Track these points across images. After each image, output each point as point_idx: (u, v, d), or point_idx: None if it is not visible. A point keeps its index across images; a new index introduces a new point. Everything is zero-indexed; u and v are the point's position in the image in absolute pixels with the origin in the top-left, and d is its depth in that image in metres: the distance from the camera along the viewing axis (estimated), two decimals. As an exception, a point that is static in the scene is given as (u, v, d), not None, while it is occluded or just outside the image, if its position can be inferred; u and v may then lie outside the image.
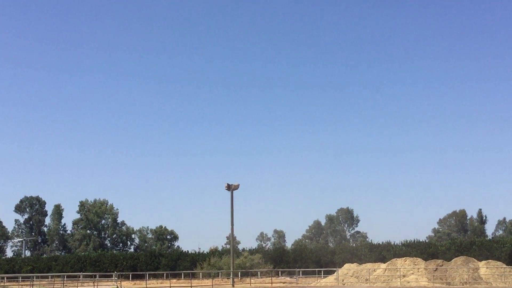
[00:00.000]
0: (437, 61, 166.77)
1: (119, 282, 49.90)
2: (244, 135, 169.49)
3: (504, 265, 48.04)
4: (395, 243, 71.64)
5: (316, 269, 62.96)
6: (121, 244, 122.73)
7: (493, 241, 70.17)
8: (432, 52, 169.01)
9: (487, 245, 65.52)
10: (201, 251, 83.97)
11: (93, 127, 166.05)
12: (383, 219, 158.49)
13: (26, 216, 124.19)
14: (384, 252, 67.69)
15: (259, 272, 64.23)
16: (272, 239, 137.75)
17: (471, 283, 44.18)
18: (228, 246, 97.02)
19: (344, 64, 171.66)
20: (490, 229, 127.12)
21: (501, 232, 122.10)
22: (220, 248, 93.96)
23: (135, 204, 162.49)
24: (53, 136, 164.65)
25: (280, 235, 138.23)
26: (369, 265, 51.85)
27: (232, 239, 55.97)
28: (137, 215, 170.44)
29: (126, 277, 66.02)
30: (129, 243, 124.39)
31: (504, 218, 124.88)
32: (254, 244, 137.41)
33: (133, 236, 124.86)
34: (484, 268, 46.64)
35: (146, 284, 44.90)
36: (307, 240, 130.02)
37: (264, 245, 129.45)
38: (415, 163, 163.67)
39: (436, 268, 47.11)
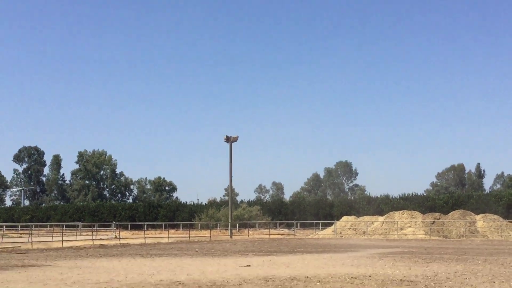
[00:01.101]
0: (436, 17, 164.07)
1: (118, 232, 50.03)
2: (243, 87, 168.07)
3: (501, 219, 48.36)
4: (393, 197, 72.03)
5: (314, 221, 63.28)
6: (119, 195, 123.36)
7: (491, 195, 70.39)
8: (431, 13, 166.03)
9: (484, 199, 65.77)
10: (200, 203, 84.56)
11: (92, 78, 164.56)
12: (381, 173, 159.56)
13: (24, 165, 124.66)
14: (382, 205, 67.96)
15: (257, 224, 64.61)
16: (271, 191, 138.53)
17: (468, 236, 44.41)
18: (226, 198, 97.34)
19: (341, 18, 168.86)
20: (488, 183, 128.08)
21: (498, 186, 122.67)
22: (218, 200, 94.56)
23: (133, 155, 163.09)
24: (52, 86, 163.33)
25: (278, 187, 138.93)
26: (367, 218, 52.13)
27: (230, 190, 55.87)
28: (136, 166, 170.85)
29: (125, 227, 66.48)
30: (127, 193, 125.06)
31: (502, 173, 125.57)
32: (252, 196, 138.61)
33: (131, 187, 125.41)
34: (481, 221, 46.91)
35: (144, 234, 44.99)
36: (305, 193, 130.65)
37: (262, 197, 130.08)
38: (414, 117, 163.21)
39: (433, 221, 47.31)
